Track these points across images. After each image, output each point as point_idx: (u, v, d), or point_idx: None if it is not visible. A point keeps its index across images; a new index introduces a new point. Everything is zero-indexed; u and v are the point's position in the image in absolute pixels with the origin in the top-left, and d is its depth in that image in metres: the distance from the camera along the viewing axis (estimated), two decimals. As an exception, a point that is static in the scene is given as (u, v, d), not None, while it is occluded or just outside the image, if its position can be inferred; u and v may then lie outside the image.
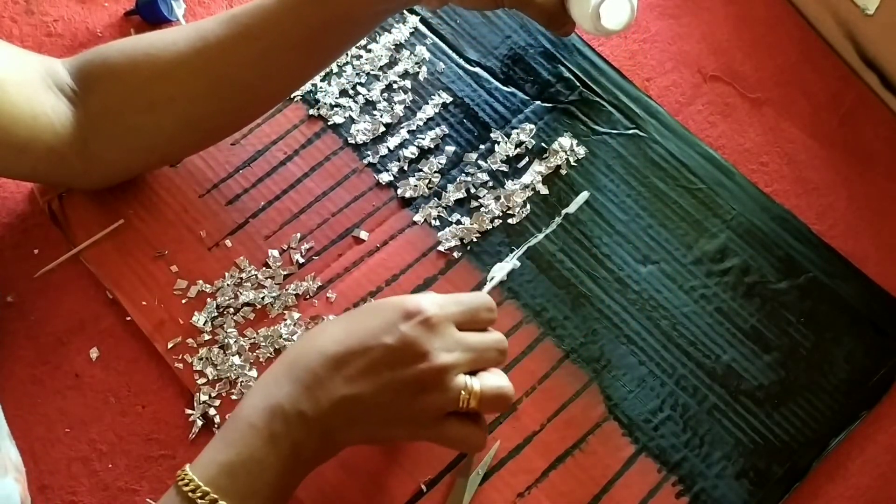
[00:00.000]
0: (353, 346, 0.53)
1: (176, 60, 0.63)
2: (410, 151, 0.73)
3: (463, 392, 0.54)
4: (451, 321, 0.55)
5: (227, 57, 0.63)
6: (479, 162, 0.73)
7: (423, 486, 0.62)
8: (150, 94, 0.64)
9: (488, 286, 0.66)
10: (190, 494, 0.51)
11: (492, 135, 0.74)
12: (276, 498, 0.53)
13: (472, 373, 0.55)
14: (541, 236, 0.70)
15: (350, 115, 0.75)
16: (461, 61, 0.77)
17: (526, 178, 0.72)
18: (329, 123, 0.74)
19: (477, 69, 0.77)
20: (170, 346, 0.66)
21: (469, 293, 0.59)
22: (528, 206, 0.71)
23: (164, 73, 0.63)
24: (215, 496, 0.50)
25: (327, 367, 0.53)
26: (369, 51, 0.77)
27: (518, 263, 0.68)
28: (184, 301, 0.68)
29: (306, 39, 0.64)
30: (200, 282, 0.68)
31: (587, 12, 0.67)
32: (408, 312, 0.54)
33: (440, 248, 0.70)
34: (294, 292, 0.68)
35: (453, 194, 0.71)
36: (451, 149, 0.73)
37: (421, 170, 0.72)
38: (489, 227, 0.70)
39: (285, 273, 0.69)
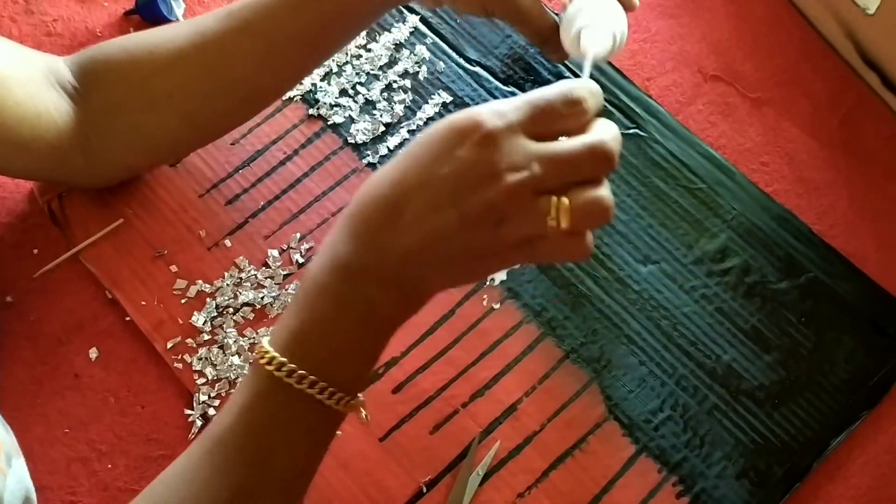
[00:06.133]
0: (407, 183, 0.45)
1: (175, 56, 0.63)
2: (410, 151, 0.73)
3: (551, 213, 0.44)
4: (520, 130, 0.45)
5: (225, 52, 0.63)
6: (479, 162, 0.73)
7: (423, 486, 0.62)
8: (150, 91, 0.64)
9: (587, 66, 0.53)
10: (267, 367, 0.47)
11: (492, 134, 0.74)
12: (359, 361, 0.49)
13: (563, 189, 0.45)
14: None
15: (350, 115, 0.75)
16: (461, 61, 0.77)
17: (526, 178, 0.72)
18: (329, 123, 0.74)
19: (477, 69, 0.77)
20: (169, 345, 0.66)
21: (548, 87, 0.46)
22: (529, 206, 0.71)
23: (163, 70, 0.63)
24: (293, 366, 0.46)
25: (384, 215, 0.46)
26: (369, 50, 0.77)
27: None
28: (183, 301, 0.68)
29: (305, 34, 0.64)
30: (200, 282, 0.68)
31: (570, 36, 0.62)
32: (461, 132, 0.44)
33: (440, 247, 0.70)
34: (293, 292, 0.68)
35: (453, 194, 0.71)
36: (451, 148, 0.73)
37: (421, 169, 0.72)
38: (489, 226, 0.70)
39: (285, 273, 0.69)
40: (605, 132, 0.46)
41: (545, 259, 0.50)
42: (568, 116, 0.46)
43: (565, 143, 0.45)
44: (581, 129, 0.46)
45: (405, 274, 0.47)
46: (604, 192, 0.45)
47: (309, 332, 0.48)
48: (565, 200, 0.44)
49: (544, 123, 0.45)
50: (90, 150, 0.64)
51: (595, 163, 0.45)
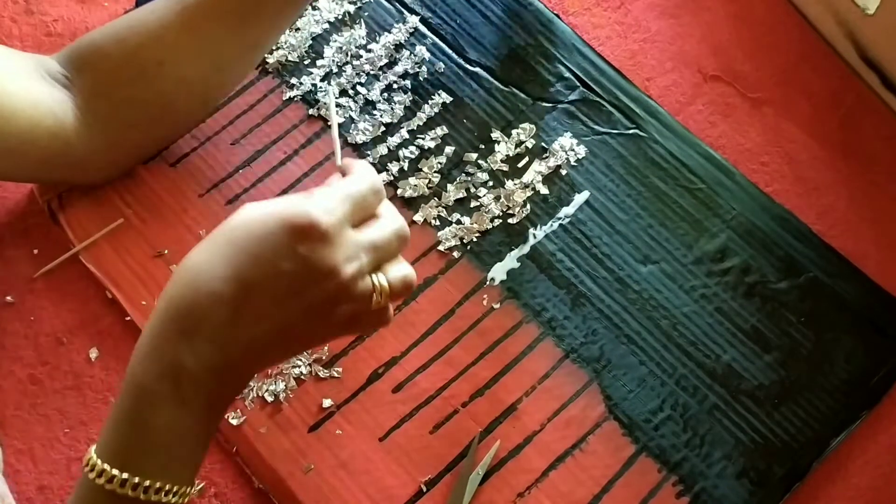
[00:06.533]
0: (249, 280, 0.46)
1: (158, 25, 0.64)
2: (410, 151, 0.73)
3: (375, 295, 0.49)
4: (346, 223, 0.48)
5: (207, 12, 0.64)
6: (479, 161, 0.73)
7: (423, 486, 0.62)
8: (139, 62, 0.64)
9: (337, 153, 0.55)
10: (107, 485, 0.46)
11: (492, 135, 0.74)
12: (200, 452, 0.50)
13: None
14: (540, 236, 0.70)
15: (350, 115, 0.75)
16: (461, 61, 0.77)
17: (526, 178, 0.72)
18: (329, 123, 0.74)
19: (477, 69, 0.77)
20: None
21: (351, 177, 0.50)
22: (528, 206, 0.71)
23: (148, 40, 0.64)
24: (136, 479, 0.46)
25: (227, 311, 0.46)
26: (369, 51, 0.77)
27: None
28: (183, 301, 0.68)
29: None
30: (200, 282, 0.68)
31: None
32: (301, 230, 0.46)
33: (440, 247, 0.70)
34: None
35: (453, 194, 0.71)
36: (450, 149, 0.73)
37: (421, 169, 0.72)
38: (489, 226, 0.70)
39: (285, 273, 0.69)
40: (397, 216, 0.52)
41: (361, 332, 0.54)
42: (374, 203, 0.51)
43: (381, 232, 0.50)
44: (377, 211, 0.51)
45: (245, 366, 0.49)
46: (409, 268, 0.52)
47: (148, 443, 0.47)
48: (385, 281, 0.50)
49: (360, 213, 0.50)
50: (90, 137, 0.65)
51: (400, 244, 0.51)
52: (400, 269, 0.51)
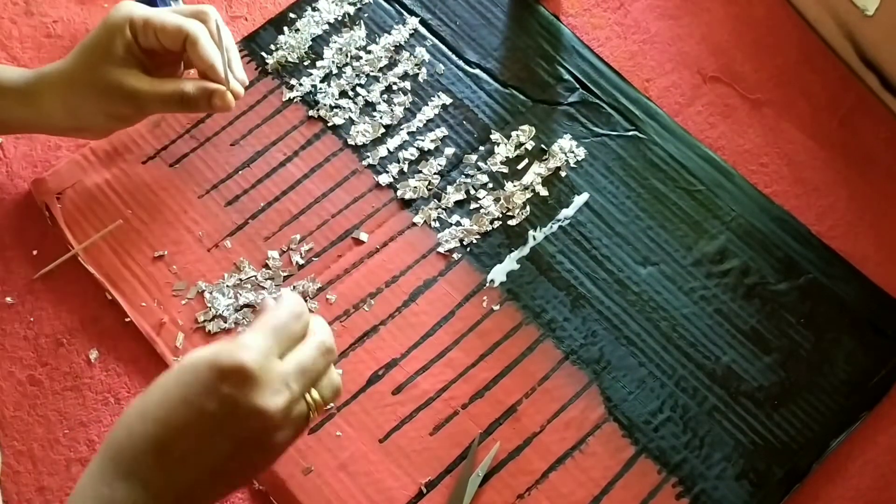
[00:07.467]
0: (175, 422, 0.47)
1: None
2: (410, 153, 0.73)
3: (311, 413, 0.50)
4: (273, 356, 0.49)
5: None
6: (479, 163, 0.73)
7: (423, 488, 0.62)
8: None
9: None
10: None
11: (491, 136, 0.74)
12: None
13: None
14: (540, 238, 0.70)
15: (350, 117, 0.75)
16: (461, 63, 0.77)
17: (525, 180, 0.72)
18: (329, 125, 0.74)
19: (476, 71, 0.77)
20: (178, 344, 0.66)
21: (276, 309, 0.51)
22: (528, 208, 0.71)
23: None
24: None
25: (156, 453, 0.47)
26: (369, 52, 0.77)
27: None
28: (183, 302, 0.68)
29: None
30: (200, 283, 0.68)
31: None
32: (226, 371, 0.47)
33: (440, 249, 0.70)
34: (293, 294, 0.68)
35: (453, 196, 0.71)
36: (450, 150, 0.73)
37: (420, 171, 0.72)
38: (489, 228, 0.70)
39: (285, 274, 0.69)
40: (321, 330, 0.52)
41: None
42: (298, 328, 0.51)
43: (304, 353, 0.50)
44: (305, 331, 0.52)
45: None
46: (337, 379, 0.52)
47: None
48: (317, 397, 0.51)
49: (286, 342, 0.50)
50: None
51: (326, 358, 0.51)
52: (330, 383, 0.52)
